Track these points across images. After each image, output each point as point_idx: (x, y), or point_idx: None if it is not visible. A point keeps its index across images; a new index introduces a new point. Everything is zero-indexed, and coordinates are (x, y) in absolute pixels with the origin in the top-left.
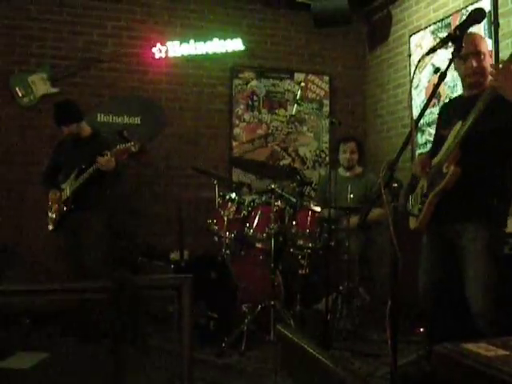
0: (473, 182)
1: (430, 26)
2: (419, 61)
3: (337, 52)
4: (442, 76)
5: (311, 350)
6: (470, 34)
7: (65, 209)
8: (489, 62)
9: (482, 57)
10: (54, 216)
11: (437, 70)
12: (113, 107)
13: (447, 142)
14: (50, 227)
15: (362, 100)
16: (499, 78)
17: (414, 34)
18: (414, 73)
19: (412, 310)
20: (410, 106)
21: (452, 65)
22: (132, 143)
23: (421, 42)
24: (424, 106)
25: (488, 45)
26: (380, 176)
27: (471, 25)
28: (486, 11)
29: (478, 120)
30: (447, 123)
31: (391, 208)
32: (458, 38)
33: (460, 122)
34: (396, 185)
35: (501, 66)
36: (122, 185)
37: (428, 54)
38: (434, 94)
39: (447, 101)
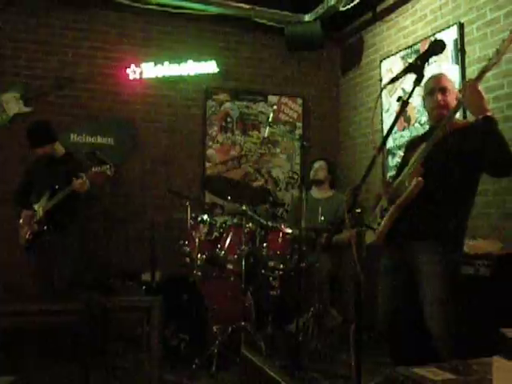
0: (433, 201)
1: (400, 51)
2: (382, 89)
3: (310, 75)
4: (405, 104)
5: (273, 374)
6: (437, 73)
7: (37, 229)
8: (453, 99)
9: (448, 93)
10: (26, 236)
11: (399, 98)
12: (86, 127)
13: (409, 163)
14: (24, 245)
15: (335, 123)
16: (465, 94)
17: (384, 59)
18: (378, 99)
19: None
20: (374, 132)
21: (415, 94)
22: (107, 166)
23: (391, 66)
24: (387, 132)
25: (454, 85)
26: (345, 200)
27: (431, 55)
28: (453, 39)
29: (441, 140)
30: (414, 149)
31: (354, 232)
32: (420, 68)
33: (423, 145)
34: (359, 210)
35: (468, 82)
36: (95, 205)
37: (390, 83)
38: (396, 120)
39: (414, 136)
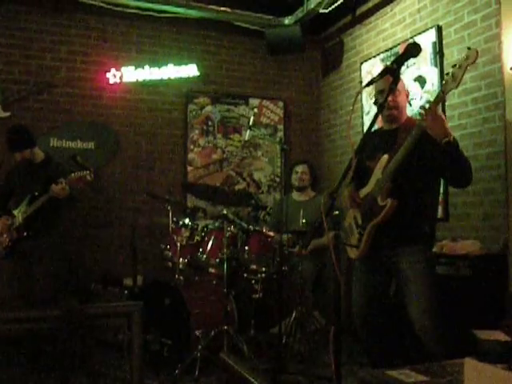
0: (406, 209)
1: (379, 54)
2: (359, 92)
3: (291, 78)
4: (381, 107)
5: (251, 378)
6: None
7: (17, 236)
8: (404, 99)
9: (397, 93)
10: (5, 242)
11: (376, 101)
12: (66, 132)
13: (374, 174)
14: (2, 252)
15: (316, 125)
16: (427, 119)
17: (364, 61)
18: (354, 102)
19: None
20: (350, 135)
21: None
22: (87, 172)
23: (371, 69)
24: (364, 136)
25: (404, 85)
26: (322, 204)
27: (408, 59)
28: (432, 41)
29: (406, 154)
30: (371, 155)
31: (333, 235)
32: (396, 71)
33: (386, 156)
34: (337, 212)
35: (427, 106)
36: (76, 210)
37: (366, 86)
38: (373, 123)
39: (365, 134)
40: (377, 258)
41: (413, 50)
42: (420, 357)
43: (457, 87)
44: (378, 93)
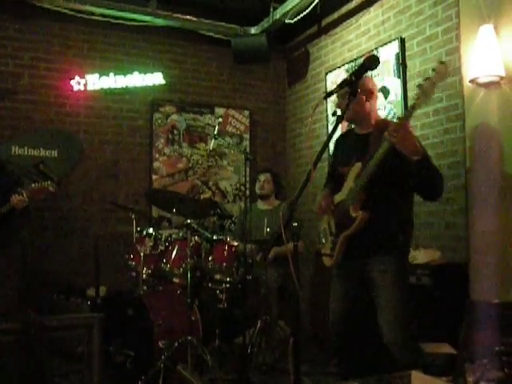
0: (379, 219)
1: (344, 64)
2: (317, 105)
3: (257, 87)
4: (339, 119)
5: None
6: None
7: None
8: (362, 106)
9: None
10: None
11: (334, 113)
12: (28, 140)
13: (347, 182)
14: None
15: (282, 134)
16: (398, 136)
17: (330, 71)
18: (313, 114)
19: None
20: (310, 146)
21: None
22: (50, 182)
23: (336, 79)
24: (323, 147)
25: (370, 84)
26: (280, 216)
27: (366, 71)
28: (395, 53)
29: (377, 166)
30: (345, 160)
31: (291, 246)
32: (354, 83)
33: (359, 164)
34: (296, 224)
35: (397, 121)
36: (37, 219)
37: (325, 98)
38: (331, 135)
39: (340, 135)
40: (352, 266)
41: (371, 62)
42: (390, 367)
43: (426, 103)
44: (337, 106)
